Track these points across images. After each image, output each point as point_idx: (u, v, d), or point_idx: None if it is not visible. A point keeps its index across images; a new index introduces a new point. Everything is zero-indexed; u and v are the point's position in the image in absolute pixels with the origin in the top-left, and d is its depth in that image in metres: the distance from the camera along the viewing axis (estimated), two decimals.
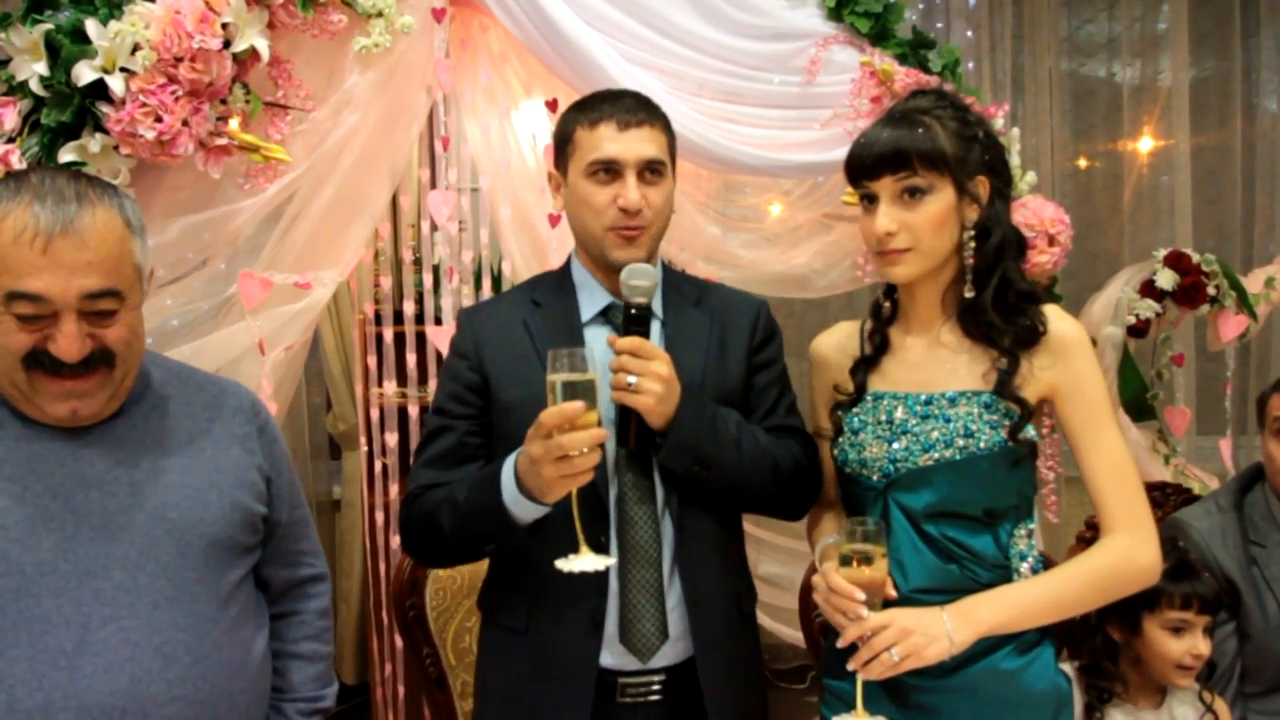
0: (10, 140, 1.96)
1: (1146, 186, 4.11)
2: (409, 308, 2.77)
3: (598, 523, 1.66)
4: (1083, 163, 4.22)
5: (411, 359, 2.78)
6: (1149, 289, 3.00)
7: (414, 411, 2.78)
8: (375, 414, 2.83)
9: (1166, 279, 2.97)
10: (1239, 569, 2.11)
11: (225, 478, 1.56)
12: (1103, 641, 1.95)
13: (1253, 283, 3.17)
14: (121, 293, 1.42)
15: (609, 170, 1.70)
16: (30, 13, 1.97)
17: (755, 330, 1.83)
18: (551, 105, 2.64)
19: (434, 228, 2.69)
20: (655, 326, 1.74)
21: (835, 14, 2.65)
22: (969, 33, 3.92)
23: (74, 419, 1.45)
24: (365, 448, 2.92)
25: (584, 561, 1.53)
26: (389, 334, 2.79)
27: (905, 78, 2.60)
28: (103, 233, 1.39)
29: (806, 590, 2.37)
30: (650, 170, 1.71)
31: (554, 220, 2.63)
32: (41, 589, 1.39)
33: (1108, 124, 4.16)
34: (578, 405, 1.45)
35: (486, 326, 1.81)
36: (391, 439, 2.81)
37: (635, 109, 1.73)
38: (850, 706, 1.56)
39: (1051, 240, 2.69)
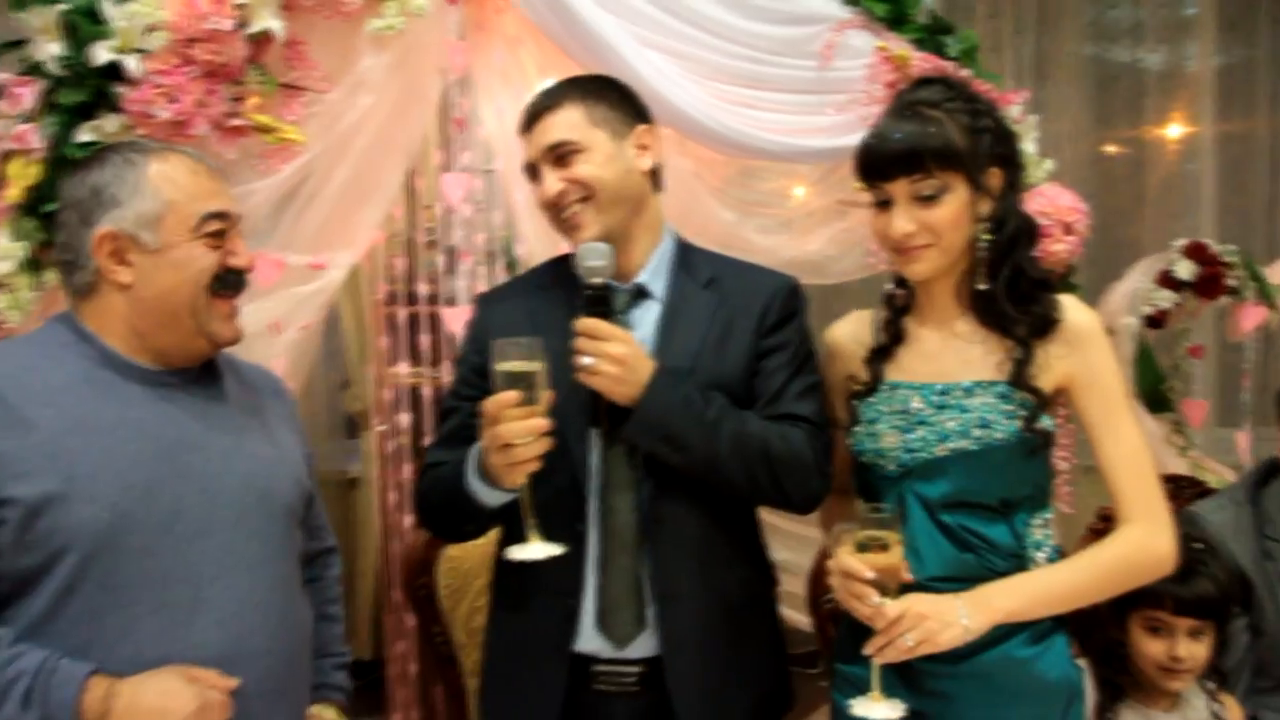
0: (28, 120, 1.96)
1: (1171, 174, 4.06)
2: (423, 289, 2.78)
3: (572, 510, 1.68)
4: (1106, 150, 4.17)
5: (425, 340, 2.79)
6: (1166, 280, 2.97)
7: (427, 392, 2.79)
8: (389, 394, 2.84)
9: (1185, 270, 2.94)
10: (1252, 563, 2.09)
11: (287, 452, 1.68)
12: (1110, 638, 1.91)
13: (1274, 273, 3.13)
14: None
15: (534, 171, 1.75)
16: None
17: (768, 313, 1.74)
18: None
19: (449, 210, 2.69)
20: (655, 307, 1.75)
21: None
22: (990, 18, 3.89)
23: (236, 339, 1.59)
24: (380, 427, 2.94)
25: (532, 550, 1.58)
26: (403, 315, 2.79)
27: (921, 63, 2.55)
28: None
29: (816, 576, 2.37)
30: (565, 153, 1.70)
31: None
32: (162, 547, 1.46)
33: (1131, 111, 4.11)
34: (511, 395, 1.50)
35: (495, 311, 1.84)
36: (405, 419, 2.82)
37: (537, 104, 1.75)
38: (862, 691, 1.56)
39: (1068, 229, 2.64)
